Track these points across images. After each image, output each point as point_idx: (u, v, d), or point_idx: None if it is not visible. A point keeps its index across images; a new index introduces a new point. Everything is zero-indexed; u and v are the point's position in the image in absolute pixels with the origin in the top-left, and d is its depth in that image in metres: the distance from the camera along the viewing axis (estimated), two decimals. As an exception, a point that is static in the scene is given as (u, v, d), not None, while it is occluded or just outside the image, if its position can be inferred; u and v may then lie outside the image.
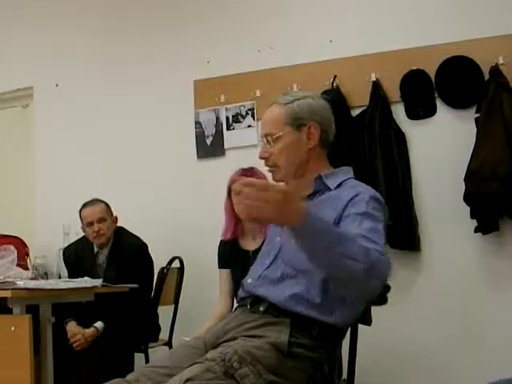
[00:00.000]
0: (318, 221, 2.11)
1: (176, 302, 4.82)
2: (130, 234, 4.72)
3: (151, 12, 5.54)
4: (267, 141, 2.62)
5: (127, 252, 4.57)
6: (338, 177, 2.62)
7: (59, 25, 5.86)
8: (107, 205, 4.68)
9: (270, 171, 2.67)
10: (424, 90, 4.62)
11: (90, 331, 4.29)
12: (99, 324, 4.32)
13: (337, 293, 2.37)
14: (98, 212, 4.60)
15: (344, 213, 2.43)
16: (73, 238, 4.85)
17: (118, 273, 4.45)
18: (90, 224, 4.58)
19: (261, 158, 2.64)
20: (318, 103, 2.66)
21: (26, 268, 4.50)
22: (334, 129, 2.69)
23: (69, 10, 5.84)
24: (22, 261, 4.69)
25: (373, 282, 2.18)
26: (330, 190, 2.58)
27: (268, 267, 2.58)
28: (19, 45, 5.98)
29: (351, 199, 2.46)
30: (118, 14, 5.66)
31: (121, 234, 4.70)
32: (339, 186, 2.59)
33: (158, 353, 4.45)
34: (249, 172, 3.84)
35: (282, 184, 2.26)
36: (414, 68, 4.63)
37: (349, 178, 2.64)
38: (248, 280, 2.64)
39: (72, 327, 4.34)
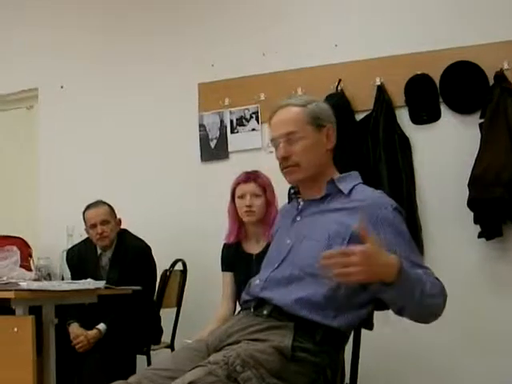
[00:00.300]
0: (407, 269, 2.23)
1: (179, 304, 4.81)
2: (134, 236, 4.72)
3: (155, 14, 5.54)
4: (287, 140, 2.60)
5: (130, 254, 4.56)
6: (349, 181, 2.64)
7: (64, 26, 5.87)
8: (111, 207, 4.68)
9: (287, 172, 2.63)
10: (428, 94, 4.61)
11: (92, 333, 4.28)
12: (102, 326, 4.32)
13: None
14: (101, 214, 4.60)
15: (372, 230, 2.37)
16: (76, 240, 4.85)
17: (121, 275, 4.45)
18: (94, 226, 4.58)
19: (283, 157, 2.60)
20: (328, 106, 2.71)
21: (29, 269, 4.51)
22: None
23: (73, 11, 5.85)
24: (25, 262, 4.70)
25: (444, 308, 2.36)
26: (342, 193, 2.58)
27: (276, 268, 2.58)
28: (24, 46, 5.98)
29: (374, 216, 2.47)
30: (124, 16, 5.66)
31: (124, 237, 4.69)
32: (351, 191, 2.60)
33: (160, 355, 4.44)
34: (252, 175, 3.84)
35: (359, 247, 2.13)
36: (418, 73, 4.63)
37: (358, 184, 2.65)
38: (256, 281, 2.64)
39: (75, 329, 4.34)
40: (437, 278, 2.37)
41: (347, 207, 2.53)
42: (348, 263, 2.11)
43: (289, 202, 2.84)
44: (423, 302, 2.26)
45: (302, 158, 2.59)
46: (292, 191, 2.78)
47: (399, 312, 2.34)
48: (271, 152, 2.81)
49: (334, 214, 2.54)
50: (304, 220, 2.64)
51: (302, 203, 2.70)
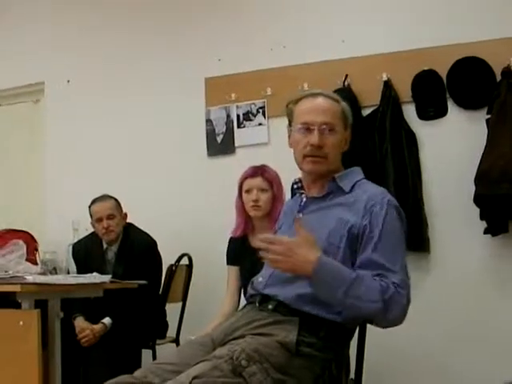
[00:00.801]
0: (330, 268, 2.30)
1: (184, 299, 4.82)
2: (140, 230, 4.72)
3: (163, 9, 5.53)
4: (323, 129, 2.58)
5: (136, 248, 4.57)
6: (351, 178, 2.63)
7: (71, 21, 5.86)
8: (117, 201, 4.68)
9: (314, 160, 2.60)
10: (435, 90, 4.60)
11: (98, 327, 4.29)
12: (107, 320, 4.32)
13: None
14: (107, 208, 4.61)
15: (363, 223, 2.46)
16: (82, 234, 4.86)
17: (127, 269, 4.45)
18: (100, 220, 4.59)
19: (317, 145, 2.57)
20: None
21: (34, 263, 4.51)
22: None
23: (80, 6, 5.85)
24: (31, 256, 4.70)
25: (391, 316, 2.34)
26: (344, 192, 2.58)
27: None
28: (30, 40, 5.99)
29: (369, 210, 2.48)
30: (130, 11, 5.66)
31: (130, 231, 4.69)
32: (353, 187, 2.59)
33: (165, 350, 4.45)
34: (260, 170, 3.85)
35: (286, 238, 2.35)
36: (425, 68, 4.61)
37: (360, 179, 2.65)
38: (259, 279, 2.65)
39: (80, 322, 4.35)
40: (397, 286, 2.35)
41: (347, 203, 2.54)
42: (271, 251, 2.32)
43: (292, 197, 2.84)
44: (346, 303, 2.31)
45: (331, 151, 2.60)
46: (295, 186, 2.77)
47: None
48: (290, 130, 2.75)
49: (335, 211, 2.54)
50: (305, 217, 2.63)
51: (304, 200, 2.70)
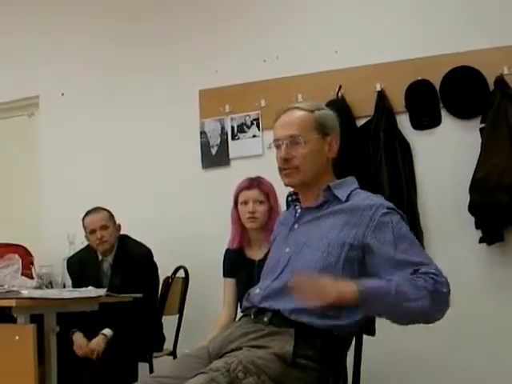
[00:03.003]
0: (373, 289, 2.29)
1: (180, 311, 4.81)
2: (134, 240, 4.72)
3: (158, 22, 5.55)
4: (290, 142, 2.59)
5: (132, 258, 4.57)
6: (346, 187, 2.63)
7: (65, 34, 5.87)
8: (110, 212, 4.69)
9: (285, 174, 2.62)
10: (429, 100, 4.62)
11: (97, 340, 4.26)
12: (107, 331, 4.31)
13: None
14: (100, 220, 4.62)
15: (369, 232, 2.46)
16: (78, 247, 4.85)
17: (123, 280, 4.45)
18: (93, 231, 4.60)
19: (283, 158, 2.60)
20: (336, 117, 2.70)
21: (30, 277, 4.49)
22: None
23: (74, 19, 5.86)
24: (27, 270, 4.68)
25: (440, 307, 2.36)
26: (339, 200, 2.58)
27: (276, 278, 2.57)
28: (25, 54, 6.00)
29: (372, 217, 2.48)
30: (125, 23, 5.67)
31: (125, 242, 4.70)
32: (349, 196, 2.59)
33: (162, 363, 4.44)
34: (255, 181, 3.84)
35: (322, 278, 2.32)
36: (418, 78, 4.63)
37: (355, 189, 2.65)
38: (256, 290, 2.64)
39: (79, 339, 4.32)
40: (434, 276, 2.34)
41: (346, 210, 2.53)
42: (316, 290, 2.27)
43: (287, 209, 2.84)
44: (402, 308, 2.29)
45: (302, 163, 2.59)
46: (290, 198, 2.78)
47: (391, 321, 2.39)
48: (269, 148, 2.82)
49: (331, 220, 2.54)
50: (302, 228, 2.64)
51: (299, 210, 2.71)
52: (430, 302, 2.28)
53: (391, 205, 2.55)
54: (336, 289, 2.26)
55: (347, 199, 2.58)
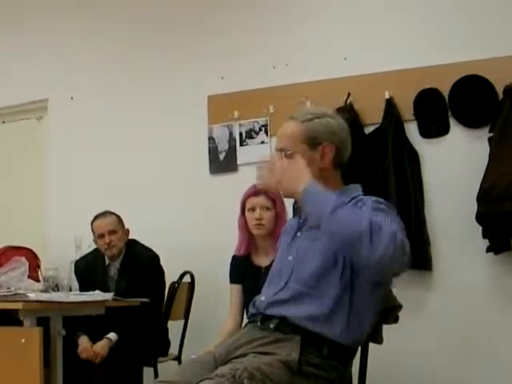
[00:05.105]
0: (320, 189, 2.35)
1: (186, 317, 4.81)
2: (142, 245, 4.73)
3: (166, 27, 5.56)
4: (282, 155, 2.58)
5: (139, 263, 4.58)
6: (348, 195, 2.59)
7: (75, 38, 5.90)
8: (119, 217, 4.70)
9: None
10: (437, 108, 4.61)
11: (102, 343, 4.27)
12: (112, 335, 4.31)
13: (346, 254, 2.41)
14: (109, 224, 4.63)
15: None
16: (84, 251, 4.85)
17: (130, 285, 4.46)
18: (101, 236, 4.60)
19: None
20: (337, 123, 2.64)
21: (36, 280, 4.51)
22: (350, 150, 2.67)
23: (84, 23, 5.88)
24: (34, 273, 4.70)
25: (378, 243, 2.17)
26: None
27: (282, 289, 2.54)
28: (34, 57, 6.03)
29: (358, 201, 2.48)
30: (133, 29, 5.68)
31: (132, 246, 4.71)
32: (349, 202, 2.57)
33: (167, 368, 4.44)
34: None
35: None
36: (427, 86, 4.63)
37: (358, 195, 2.60)
38: (261, 297, 2.63)
39: (85, 342, 4.33)
40: (390, 222, 2.27)
41: None
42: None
43: (293, 217, 2.83)
44: (331, 223, 2.26)
45: None
46: (296, 206, 2.77)
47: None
48: None
49: None
50: (304, 235, 2.63)
51: (303, 218, 2.70)
52: (368, 231, 2.18)
53: (381, 199, 2.51)
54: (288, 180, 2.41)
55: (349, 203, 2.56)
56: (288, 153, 2.55)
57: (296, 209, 2.79)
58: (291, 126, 2.63)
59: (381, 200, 2.47)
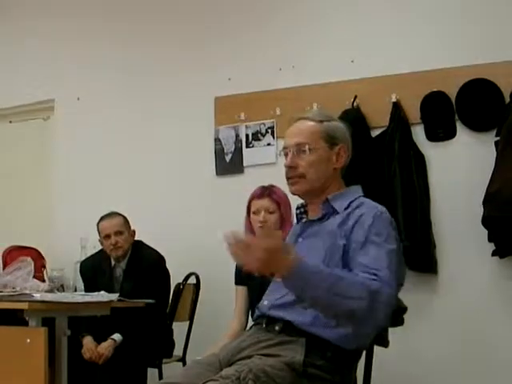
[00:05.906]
0: (309, 268, 2.22)
1: (191, 318, 4.81)
2: (148, 246, 4.73)
3: (173, 29, 5.57)
4: (297, 150, 2.60)
5: (144, 264, 4.58)
6: (346, 198, 2.60)
7: (82, 38, 5.90)
8: (125, 218, 4.70)
9: (291, 182, 2.63)
10: (444, 112, 4.61)
11: (106, 344, 4.28)
12: (117, 336, 4.32)
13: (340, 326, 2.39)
14: (115, 225, 4.63)
15: (351, 236, 2.45)
16: (90, 251, 4.87)
17: (135, 286, 4.46)
18: (108, 237, 4.60)
19: (289, 166, 2.61)
20: (346, 128, 2.69)
21: (42, 280, 4.51)
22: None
23: (90, 24, 5.89)
24: (39, 273, 4.70)
25: (377, 314, 2.23)
26: (337, 212, 2.57)
27: (287, 293, 2.52)
28: (41, 58, 6.05)
29: (355, 223, 2.47)
30: (140, 30, 5.69)
31: (138, 247, 4.71)
32: (347, 207, 2.58)
33: (171, 369, 4.44)
34: (267, 190, 3.84)
35: (267, 240, 2.19)
36: (434, 90, 4.62)
37: (357, 198, 2.61)
38: (264, 302, 2.64)
39: (89, 343, 4.34)
40: (380, 281, 2.26)
41: (339, 223, 2.51)
42: (249, 254, 2.22)
43: (297, 222, 2.83)
44: (330, 301, 2.23)
45: (307, 171, 2.58)
46: (298, 211, 2.77)
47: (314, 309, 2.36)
48: (280, 155, 2.83)
49: (326, 236, 2.52)
50: (304, 241, 2.64)
51: (304, 223, 2.70)
52: (367, 305, 2.21)
53: (384, 210, 2.52)
54: (264, 261, 2.17)
55: (346, 209, 2.56)
56: (309, 147, 2.58)
57: (298, 214, 2.78)
58: (309, 124, 2.64)
59: (379, 212, 2.50)
